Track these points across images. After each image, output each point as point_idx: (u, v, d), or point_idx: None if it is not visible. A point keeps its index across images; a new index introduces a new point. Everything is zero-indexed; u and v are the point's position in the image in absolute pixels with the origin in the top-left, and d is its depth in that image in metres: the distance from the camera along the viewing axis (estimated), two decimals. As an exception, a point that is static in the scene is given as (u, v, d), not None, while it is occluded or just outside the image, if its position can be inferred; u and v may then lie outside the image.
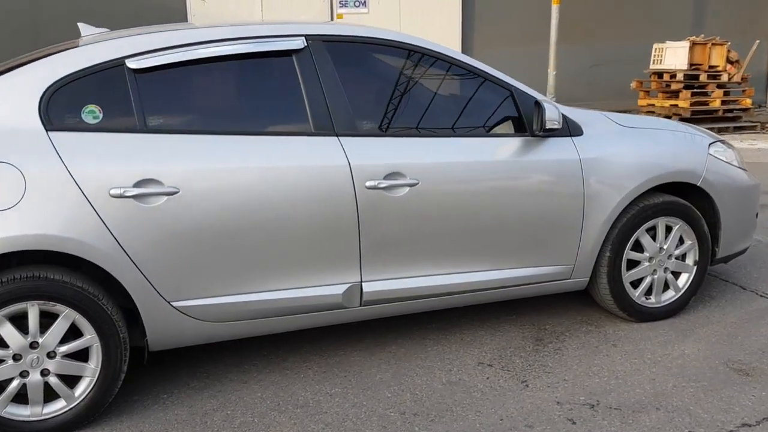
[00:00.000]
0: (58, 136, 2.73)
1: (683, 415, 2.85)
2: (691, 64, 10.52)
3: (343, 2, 10.71)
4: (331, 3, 10.67)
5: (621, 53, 12.08)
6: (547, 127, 3.23)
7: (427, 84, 3.35)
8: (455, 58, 3.34)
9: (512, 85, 3.40)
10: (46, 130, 2.71)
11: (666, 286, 3.77)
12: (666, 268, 3.71)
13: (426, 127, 3.26)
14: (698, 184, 3.66)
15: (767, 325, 3.68)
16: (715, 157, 3.74)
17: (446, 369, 3.29)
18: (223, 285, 2.94)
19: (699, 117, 10.31)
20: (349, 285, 3.13)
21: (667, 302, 3.76)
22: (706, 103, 10.40)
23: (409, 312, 3.34)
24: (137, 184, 2.76)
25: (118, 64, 2.87)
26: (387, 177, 3.09)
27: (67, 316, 2.72)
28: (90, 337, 2.78)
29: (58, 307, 2.71)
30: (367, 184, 3.05)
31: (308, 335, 3.65)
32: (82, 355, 2.82)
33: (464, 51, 11.47)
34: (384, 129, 3.18)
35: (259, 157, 2.93)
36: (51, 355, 2.74)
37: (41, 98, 2.74)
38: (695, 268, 3.76)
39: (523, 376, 3.20)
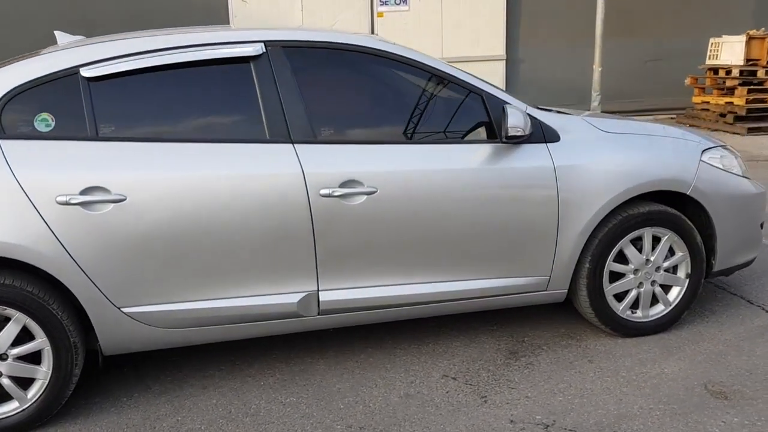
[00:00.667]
0: (9, 144, 2.78)
1: (640, 440, 2.70)
2: (748, 60, 10.01)
3: (384, 0, 10.65)
4: (372, 1, 10.62)
5: (677, 48, 11.59)
6: (509, 135, 3.10)
7: (390, 89, 3.28)
8: (422, 62, 3.25)
9: (482, 90, 3.28)
10: (-1, 138, 2.78)
11: (655, 300, 3.57)
12: (654, 281, 3.52)
13: (387, 133, 3.19)
14: (688, 193, 3.45)
15: (764, 344, 3.44)
16: (709, 165, 3.52)
17: (408, 381, 3.21)
18: (174, 292, 2.95)
19: (755, 115, 9.81)
20: (304, 294, 3.09)
21: (656, 317, 3.57)
22: (763, 100, 9.87)
23: (371, 322, 3.28)
24: (84, 192, 2.79)
25: (73, 72, 2.91)
26: (343, 185, 3.03)
27: (17, 320, 2.78)
28: (41, 341, 2.83)
29: (9, 311, 2.77)
30: (322, 192, 3.00)
31: (279, 341, 3.63)
32: (37, 358, 2.87)
33: (509, 47, 11.23)
34: (342, 136, 3.12)
35: (210, 165, 2.92)
36: (3, 357, 2.81)
37: (-4, 107, 2.80)
38: (687, 281, 3.56)
39: (484, 391, 3.09)
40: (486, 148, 3.22)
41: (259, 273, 3.02)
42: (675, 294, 3.58)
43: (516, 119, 3.08)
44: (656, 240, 3.48)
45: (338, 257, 3.09)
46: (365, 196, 3.06)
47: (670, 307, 3.58)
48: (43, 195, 2.75)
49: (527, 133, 3.12)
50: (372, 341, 3.61)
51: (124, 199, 2.82)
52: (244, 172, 2.95)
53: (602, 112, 11.26)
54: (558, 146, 3.32)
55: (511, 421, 2.86)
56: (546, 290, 3.41)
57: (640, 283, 3.51)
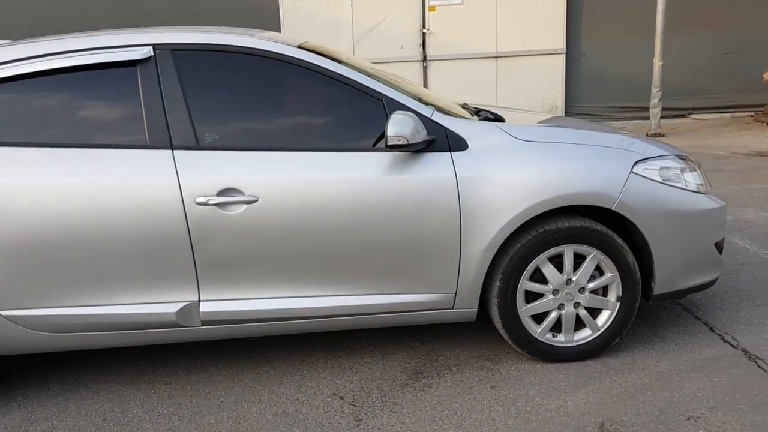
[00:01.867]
0: None
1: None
2: (829, 52, 9.08)
3: (435, -6, 10.45)
4: (423, -5, 10.45)
5: (753, 41, 10.69)
6: (389, 143, 2.91)
7: (281, 94, 3.16)
8: (318, 65, 3.10)
9: (383, 94, 3.10)
10: None
11: (583, 324, 3.27)
12: (577, 303, 3.22)
13: (274, 140, 3.06)
14: (613, 209, 3.12)
15: (699, 379, 3.08)
16: (643, 177, 3.17)
17: (295, 397, 3.10)
18: (52, 297, 2.97)
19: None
20: (184, 304, 3.03)
21: (581, 342, 3.27)
22: None
23: (260, 335, 3.18)
24: (-45, 197, 2.84)
25: (-43, 77, 2.97)
26: (221, 193, 2.94)
27: None
28: None
29: None
30: (197, 200, 2.93)
31: (195, 346, 3.57)
32: None
33: (569, 41, 10.71)
34: (227, 142, 3.03)
35: (85, 170, 2.91)
36: None
37: None
38: (618, 305, 3.23)
39: (363, 414, 2.93)
40: (381, 157, 3.04)
41: (137, 281, 2.98)
42: (604, 318, 3.26)
43: (397, 127, 2.88)
44: (582, 258, 3.18)
45: (219, 268, 3.01)
46: (245, 205, 2.96)
47: (598, 333, 3.26)
48: None
49: (413, 142, 2.92)
50: (283, 352, 3.52)
51: (-5, 205, 2.84)
52: (120, 178, 2.92)
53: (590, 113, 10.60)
54: (464, 155, 3.09)
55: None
56: (453, 308, 3.19)
57: (561, 305, 3.21)
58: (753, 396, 2.92)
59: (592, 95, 10.95)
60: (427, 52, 10.63)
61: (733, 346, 3.36)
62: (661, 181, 3.20)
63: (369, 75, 3.24)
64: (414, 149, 3.00)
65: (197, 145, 2.99)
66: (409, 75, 10.58)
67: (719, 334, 3.49)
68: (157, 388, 3.23)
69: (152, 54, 3.05)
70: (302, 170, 3.01)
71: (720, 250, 3.42)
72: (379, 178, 3.02)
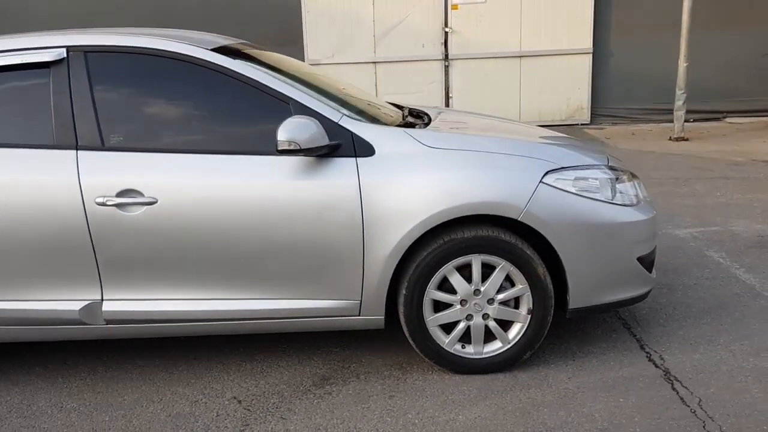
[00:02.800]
0: None
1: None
2: None
3: (458, -8, 10.32)
4: (445, -7, 10.33)
5: (793, 40, 10.19)
6: (279, 148, 2.89)
7: (188, 96, 3.17)
8: (226, 68, 3.10)
9: (291, 98, 3.08)
10: None
11: (493, 336, 3.19)
12: (486, 315, 3.14)
13: (178, 142, 3.09)
14: (519, 219, 3.03)
15: (605, 399, 2.97)
16: (555, 188, 3.06)
17: (195, 399, 3.12)
18: (-41, 291, 3.06)
19: None
20: (87, 302, 3.09)
21: (491, 354, 3.19)
22: None
23: (166, 336, 3.22)
24: None
25: None
26: (120, 194, 2.98)
27: None
28: None
29: None
30: (97, 200, 2.98)
31: (120, 344, 3.61)
32: None
33: (597, 41, 10.42)
34: (131, 143, 3.07)
35: (-8, 170, 2.99)
36: None
37: None
38: (529, 317, 3.13)
39: (252, 419, 2.93)
40: (285, 162, 3.02)
41: (42, 279, 3.06)
42: (515, 331, 3.17)
43: (289, 132, 2.86)
44: (492, 269, 3.10)
45: (121, 268, 3.06)
46: (144, 207, 2.99)
47: (509, 345, 3.18)
48: None
49: (306, 147, 2.89)
50: (203, 353, 3.54)
51: None
52: (24, 177, 2.99)
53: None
54: (369, 161, 3.04)
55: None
56: (360, 315, 3.16)
57: (470, 316, 3.14)
58: (653, 419, 2.80)
59: (619, 96, 10.64)
60: (449, 51, 10.51)
61: (656, 366, 3.22)
62: (574, 192, 3.08)
63: (292, 78, 3.24)
64: (314, 154, 2.97)
65: (102, 146, 3.04)
66: (431, 74, 10.52)
67: (647, 353, 3.35)
68: (71, 384, 3.30)
69: (65, 56, 3.11)
70: (204, 173, 3.02)
71: (647, 265, 3.27)
72: (282, 182, 3.01)
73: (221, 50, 3.25)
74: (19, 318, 3.09)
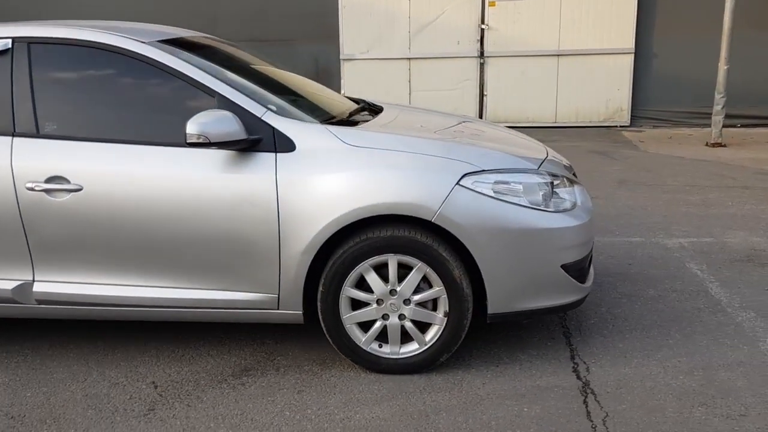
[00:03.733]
0: None
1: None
2: None
3: (496, -11, 10.19)
4: (483, -10, 10.22)
5: None
6: (187, 141, 2.94)
7: (120, 87, 3.26)
8: (156, 61, 3.17)
9: (216, 91, 3.14)
10: None
11: (411, 336, 3.17)
12: (402, 315, 3.12)
13: (105, 131, 3.18)
14: (432, 221, 2.99)
15: (510, 407, 2.92)
16: (471, 190, 3.01)
17: (117, 381, 3.23)
18: None
19: None
20: (20, 282, 3.23)
21: (408, 355, 3.17)
22: None
23: (96, 318, 3.33)
24: None
25: None
26: (48, 180, 3.11)
27: None
28: None
29: None
30: (27, 185, 3.12)
31: (73, 325, 3.75)
32: None
33: (639, 41, 10.09)
34: (63, 131, 3.19)
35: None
36: None
37: None
38: (446, 320, 3.10)
39: (160, 404, 3.02)
40: (208, 155, 3.08)
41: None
42: (432, 333, 3.14)
43: (197, 125, 2.91)
44: (410, 269, 3.08)
45: (50, 251, 3.18)
46: (70, 194, 3.10)
47: (425, 347, 3.15)
48: None
49: (216, 141, 2.94)
50: (144, 337, 3.64)
51: None
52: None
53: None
54: (288, 157, 3.07)
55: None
56: (279, 309, 3.19)
57: (386, 315, 3.13)
58: (544, 430, 2.72)
59: (661, 99, 10.28)
60: (485, 48, 10.39)
61: (578, 378, 3.13)
62: (493, 195, 3.02)
63: (242, 73, 3.35)
64: (230, 147, 3.02)
65: (36, 134, 3.17)
66: (466, 71, 10.43)
67: (576, 363, 3.26)
68: (13, 359, 3.45)
69: (10, 46, 3.25)
70: (128, 163, 3.11)
71: (576, 273, 3.18)
72: (200, 175, 3.07)
73: (172, 42, 3.33)
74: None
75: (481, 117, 10.49)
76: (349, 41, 10.48)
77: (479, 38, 10.36)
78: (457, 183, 3.00)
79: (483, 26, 10.28)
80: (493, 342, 3.47)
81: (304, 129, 3.13)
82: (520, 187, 3.07)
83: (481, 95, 10.53)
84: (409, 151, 3.08)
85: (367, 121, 3.53)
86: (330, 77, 10.49)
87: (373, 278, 3.08)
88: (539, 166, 3.23)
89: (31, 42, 3.26)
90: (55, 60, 3.27)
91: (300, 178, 3.03)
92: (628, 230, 5.22)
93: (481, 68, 10.48)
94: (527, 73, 10.40)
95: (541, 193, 3.11)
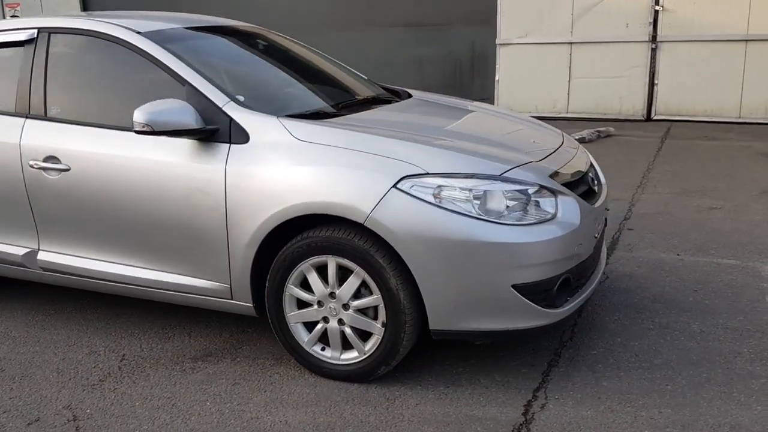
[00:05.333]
0: None
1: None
2: None
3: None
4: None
5: None
6: (134, 129, 3.03)
7: (112, 74, 3.46)
8: (143, 50, 3.30)
9: (186, 80, 3.20)
10: None
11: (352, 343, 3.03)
12: (342, 320, 2.99)
13: (96, 115, 3.38)
14: (364, 224, 2.82)
15: (407, 431, 2.69)
16: (409, 195, 2.77)
17: (95, 350, 3.45)
18: None
19: None
20: (28, 250, 3.58)
21: (348, 363, 3.03)
22: None
23: (86, 289, 3.58)
24: None
25: None
26: (45, 159, 3.39)
27: None
28: None
29: None
30: (30, 163, 3.43)
31: (88, 296, 4.03)
32: None
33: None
34: (63, 115, 3.45)
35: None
36: None
37: None
38: (384, 331, 2.92)
39: (112, 377, 3.18)
40: (173, 143, 3.16)
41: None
42: (372, 343, 2.97)
43: (142, 114, 2.96)
44: (351, 273, 2.95)
45: (50, 224, 3.48)
46: (61, 173, 3.37)
47: (364, 356, 2.99)
48: None
49: (160, 129, 2.98)
50: (153, 310, 3.82)
51: None
52: (-16, 138, 3.53)
53: None
54: (240, 149, 3.06)
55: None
56: (232, 299, 3.21)
57: (326, 318, 3.02)
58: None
59: None
60: (658, 33, 9.44)
61: (524, 414, 2.79)
62: (433, 201, 2.76)
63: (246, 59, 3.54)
64: (180, 136, 3.06)
65: (44, 116, 3.46)
66: (634, 58, 9.59)
67: (534, 397, 2.91)
68: (28, 316, 3.83)
69: (35, 36, 3.57)
70: (109, 146, 3.29)
71: (538, 295, 2.81)
72: (167, 161, 3.15)
73: (199, 29, 3.65)
74: (-19, 256, 3.68)
75: (649, 108, 9.59)
76: (506, 25, 10.07)
77: (652, 21, 9.42)
78: (394, 186, 2.78)
79: (657, 7, 9.32)
80: (464, 360, 3.19)
81: (259, 121, 3.08)
82: (469, 194, 2.77)
83: (651, 84, 9.59)
84: (353, 149, 2.91)
85: (354, 113, 3.39)
86: (485, 63, 10.20)
87: (314, 279, 2.97)
88: (505, 172, 2.88)
89: (51, 32, 3.55)
90: (66, 48, 3.54)
91: (248, 171, 3.00)
92: (726, 250, 4.49)
93: (652, 54, 9.53)
94: (707, 60, 9.28)
95: (498, 203, 2.78)
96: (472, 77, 10.62)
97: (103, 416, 2.86)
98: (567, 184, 3.05)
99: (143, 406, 2.92)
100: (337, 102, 3.62)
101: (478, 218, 2.74)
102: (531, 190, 2.85)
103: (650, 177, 6.40)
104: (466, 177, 2.81)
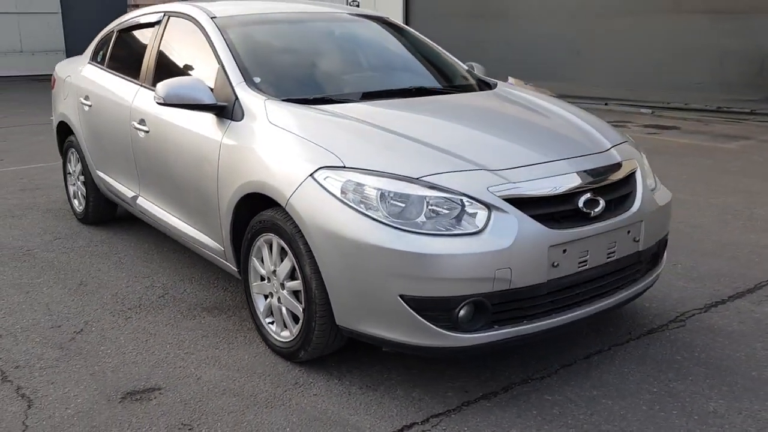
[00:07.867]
0: None
1: None
2: None
3: None
4: None
5: None
6: (155, 100, 3.47)
7: (187, 52, 3.97)
8: (207, 33, 3.78)
9: (221, 60, 3.56)
10: None
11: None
12: (279, 299, 3.15)
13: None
14: (285, 207, 2.91)
15: (272, 413, 2.76)
16: (320, 185, 2.77)
17: (128, 282, 4.08)
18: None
19: None
20: (134, 194, 4.37)
21: (283, 341, 3.13)
22: None
23: (161, 231, 4.24)
24: None
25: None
26: (140, 122, 4.11)
27: None
28: None
29: None
30: (132, 123, 4.19)
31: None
32: None
33: None
34: (154, 85, 4.05)
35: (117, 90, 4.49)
36: None
37: None
38: (304, 315, 3.00)
39: (88, 329, 3.51)
40: (202, 117, 3.56)
41: (122, 171, 4.46)
42: (298, 326, 3.06)
43: (160, 88, 3.39)
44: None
45: (143, 174, 4.21)
46: (145, 133, 4.05)
47: (292, 338, 3.10)
48: None
49: (169, 102, 3.35)
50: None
51: None
52: (116, 100, 4.39)
53: None
54: (236, 126, 3.33)
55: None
56: (226, 261, 3.55)
57: (270, 294, 3.20)
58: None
59: None
60: None
61: (401, 429, 2.65)
62: (339, 196, 2.73)
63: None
64: (199, 110, 3.43)
65: (151, 86, 4.15)
66: None
67: (414, 422, 2.72)
68: (134, 253, 4.64)
69: (161, 18, 4.31)
70: (171, 116, 3.81)
71: (432, 313, 2.62)
72: (196, 132, 3.56)
73: None
74: (114, 193, 4.56)
75: None
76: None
77: None
78: (311, 175, 2.82)
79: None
80: (406, 369, 3.07)
81: (254, 102, 3.31)
82: (376, 192, 2.68)
83: None
84: (298, 135, 3.01)
85: (366, 102, 3.43)
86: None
87: (265, 255, 3.15)
88: (426, 176, 2.69)
89: (171, 15, 4.22)
90: (172, 29, 4.17)
91: (232, 146, 3.27)
92: None
93: None
94: None
95: (407, 206, 2.64)
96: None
97: (98, 334, 3.41)
98: (529, 201, 2.71)
99: (129, 335, 3.40)
100: (372, 91, 3.63)
101: (375, 219, 2.64)
102: (454, 199, 2.63)
103: None
104: (380, 175, 2.70)
